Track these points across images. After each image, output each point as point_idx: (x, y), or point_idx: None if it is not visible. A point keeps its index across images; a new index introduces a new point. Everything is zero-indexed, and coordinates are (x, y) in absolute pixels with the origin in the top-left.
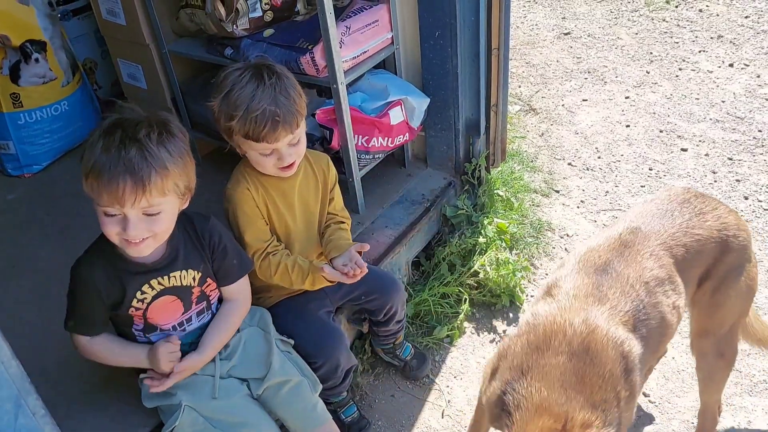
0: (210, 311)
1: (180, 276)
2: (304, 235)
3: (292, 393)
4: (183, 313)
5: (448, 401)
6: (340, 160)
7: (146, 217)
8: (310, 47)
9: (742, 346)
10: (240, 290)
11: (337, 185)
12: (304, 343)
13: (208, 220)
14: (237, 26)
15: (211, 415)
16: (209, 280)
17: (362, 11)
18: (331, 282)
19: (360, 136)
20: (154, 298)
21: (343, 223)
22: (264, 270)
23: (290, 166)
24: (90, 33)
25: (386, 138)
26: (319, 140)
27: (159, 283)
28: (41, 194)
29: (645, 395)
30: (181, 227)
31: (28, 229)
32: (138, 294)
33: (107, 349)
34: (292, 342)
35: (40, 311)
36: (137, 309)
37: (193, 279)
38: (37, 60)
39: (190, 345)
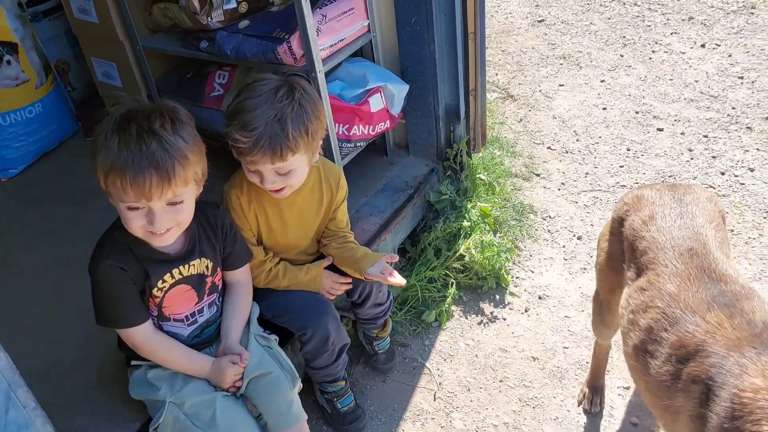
0: (216, 305)
1: (197, 264)
2: (294, 250)
3: (270, 385)
4: (197, 303)
5: (440, 384)
6: (322, 148)
7: (170, 207)
8: (286, 37)
9: None
10: (246, 272)
11: (345, 203)
12: (292, 315)
13: (218, 207)
14: (212, 18)
15: (193, 410)
16: (218, 270)
17: None
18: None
19: (341, 125)
20: (172, 286)
21: (349, 237)
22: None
23: (278, 191)
24: (61, 34)
25: (367, 126)
26: None
27: (179, 272)
28: (19, 198)
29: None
30: (194, 216)
31: (7, 234)
32: (159, 282)
33: (170, 348)
34: (275, 338)
35: (24, 314)
36: (155, 297)
37: (206, 268)
38: (9, 62)
39: (194, 338)
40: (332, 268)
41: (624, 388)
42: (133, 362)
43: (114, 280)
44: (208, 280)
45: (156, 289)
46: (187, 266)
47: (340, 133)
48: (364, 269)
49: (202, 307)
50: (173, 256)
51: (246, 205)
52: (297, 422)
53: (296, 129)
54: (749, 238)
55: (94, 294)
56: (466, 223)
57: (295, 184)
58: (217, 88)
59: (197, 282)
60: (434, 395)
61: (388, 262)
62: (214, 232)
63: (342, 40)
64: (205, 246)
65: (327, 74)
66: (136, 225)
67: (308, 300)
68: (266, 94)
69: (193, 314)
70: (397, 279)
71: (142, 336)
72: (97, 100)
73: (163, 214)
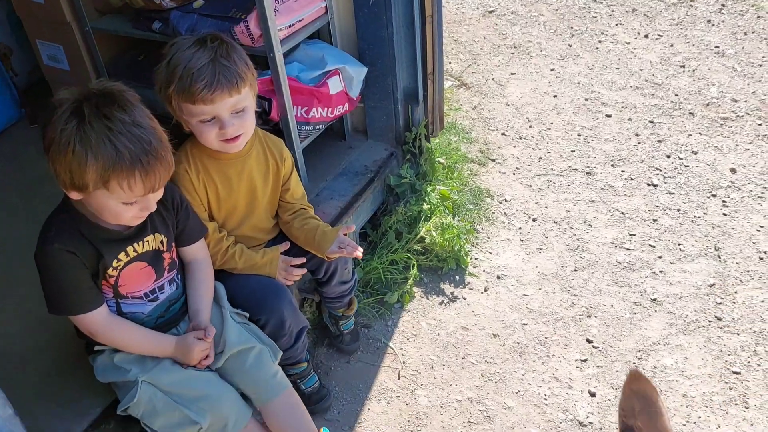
0: (176, 281)
1: (151, 240)
2: (246, 222)
3: (254, 359)
4: (155, 280)
5: (403, 362)
6: (280, 131)
7: (155, 195)
8: (243, 17)
9: (674, 289)
10: (203, 247)
11: (295, 173)
12: (246, 301)
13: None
14: None
15: (170, 389)
16: (174, 246)
17: None
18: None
19: (299, 107)
20: (127, 264)
21: (309, 212)
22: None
23: (234, 139)
24: (2, 17)
25: (326, 108)
26: (258, 112)
27: (134, 250)
28: None
29: (588, 341)
30: None
31: None
32: (114, 261)
33: (129, 331)
34: (248, 315)
35: None
36: (110, 277)
37: (161, 243)
38: None
39: (159, 318)
40: (294, 247)
41: (581, 360)
42: (96, 347)
43: (63, 265)
44: (165, 255)
45: (111, 268)
46: (141, 243)
47: (299, 115)
48: (324, 250)
49: (163, 283)
50: (125, 234)
51: (195, 178)
52: (284, 390)
53: (240, 59)
54: (695, 216)
55: (43, 282)
56: (426, 206)
57: (248, 128)
58: None
59: (153, 258)
60: (398, 374)
61: (345, 234)
62: (165, 207)
63: (300, 20)
64: (156, 221)
65: (285, 56)
66: (129, 215)
67: (263, 285)
68: (192, 47)
69: (153, 291)
70: (357, 252)
71: (98, 321)
72: (42, 87)
73: (153, 201)
